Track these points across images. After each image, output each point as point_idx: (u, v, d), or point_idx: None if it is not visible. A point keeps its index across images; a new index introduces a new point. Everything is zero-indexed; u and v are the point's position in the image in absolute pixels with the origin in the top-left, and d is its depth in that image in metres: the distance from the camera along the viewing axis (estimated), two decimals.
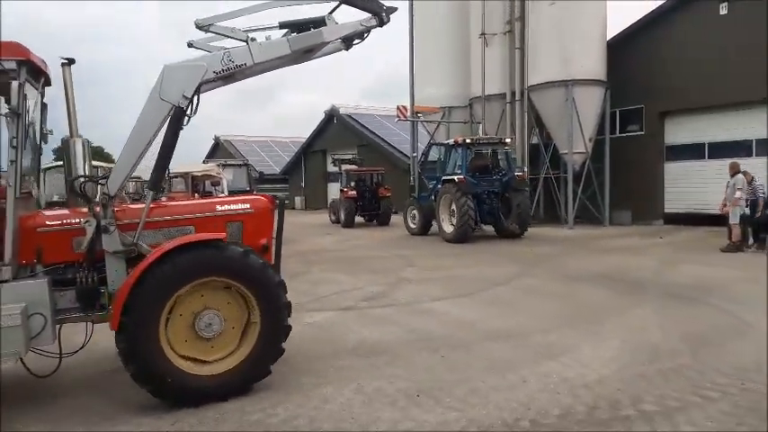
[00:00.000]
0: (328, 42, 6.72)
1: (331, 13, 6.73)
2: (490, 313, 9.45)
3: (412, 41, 29.51)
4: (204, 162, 31.12)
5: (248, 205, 6.70)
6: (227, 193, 19.51)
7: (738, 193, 15.76)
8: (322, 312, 9.72)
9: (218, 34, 6.40)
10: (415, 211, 23.42)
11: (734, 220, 15.79)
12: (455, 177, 20.25)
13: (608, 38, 24.70)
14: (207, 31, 6.38)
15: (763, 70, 20.16)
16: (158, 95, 5.92)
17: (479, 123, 27.11)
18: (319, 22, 6.64)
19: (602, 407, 5.46)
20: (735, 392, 5.70)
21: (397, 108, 29.51)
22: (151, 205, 6.09)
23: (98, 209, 5.79)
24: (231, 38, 6.38)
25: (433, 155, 24.36)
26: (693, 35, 22.70)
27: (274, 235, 6.70)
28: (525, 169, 24.84)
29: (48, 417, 5.59)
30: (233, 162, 27.67)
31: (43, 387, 6.20)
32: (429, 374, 6.52)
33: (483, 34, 25.67)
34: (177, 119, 5.98)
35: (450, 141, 22.38)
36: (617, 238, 20.33)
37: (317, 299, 10.94)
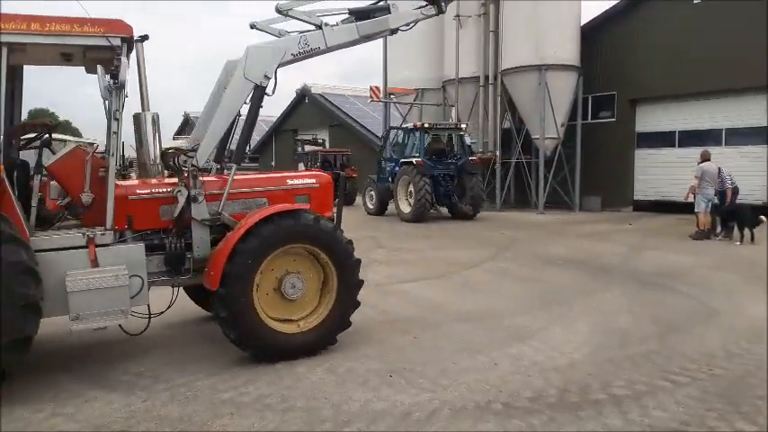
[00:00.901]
0: (392, 29, 7.50)
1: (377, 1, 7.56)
2: (461, 295, 9.48)
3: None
4: (174, 138, 30.73)
5: (314, 180, 7.33)
6: None
7: (694, 181, 15.97)
8: None
9: (297, 19, 7.02)
10: (372, 192, 24.01)
11: (698, 208, 15.97)
12: (413, 160, 21.19)
13: (582, 23, 24.73)
14: (286, 15, 7.00)
15: (729, 60, 20.45)
16: (243, 75, 6.48)
17: (452, 106, 27.10)
18: (383, 10, 7.45)
19: (573, 390, 5.50)
20: (703, 378, 5.79)
21: (371, 89, 29.34)
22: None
23: (188, 179, 6.28)
24: (306, 22, 7.03)
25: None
26: (667, 23, 22.83)
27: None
28: (497, 153, 25.01)
29: (20, 393, 5.49)
30: None
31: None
32: (401, 355, 6.52)
33: (458, 16, 25.58)
34: (259, 97, 6.61)
35: (409, 125, 23.46)
36: (587, 223, 20.50)
37: None
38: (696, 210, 16.05)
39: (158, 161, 6.87)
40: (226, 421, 4.89)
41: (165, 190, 6.39)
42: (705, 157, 16.21)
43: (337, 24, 7.23)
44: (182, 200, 6.22)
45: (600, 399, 5.31)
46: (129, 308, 5.75)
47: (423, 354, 6.57)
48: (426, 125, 22.39)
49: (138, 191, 6.34)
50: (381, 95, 29.38)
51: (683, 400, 5.26)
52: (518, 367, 6.14)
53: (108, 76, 5.61)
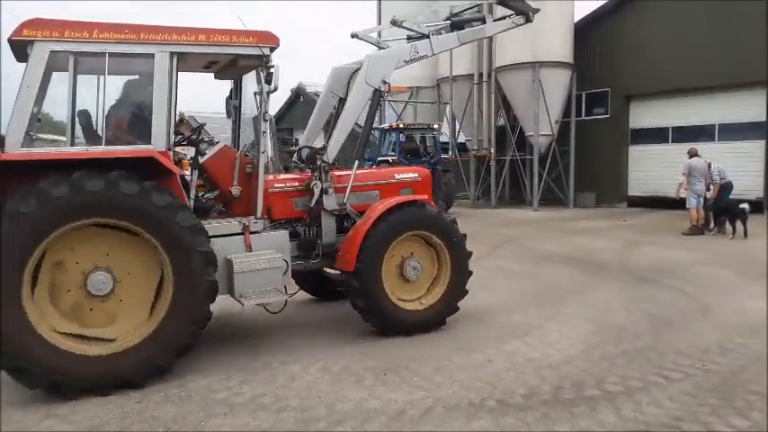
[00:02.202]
0: (488, 36, 8.70)
1: (469, 9, 8.72)
2: None
3: (380, 19, 29.23)
4: None
5: (416, 174, 8.11)
6: None
7: (682, 178, 16.04)
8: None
9: (407, 29, 7.99)
10: None
11: (689, 204, 15.99)
12: (389, 158, 21.99)
13: (575, 20, 24.72)
14: (400, 26, 7.94)
15: (724, 56, 20.49)
16: (365, 81, 7.36)
17: (447, 104, 27.07)
18: (478, 20, 8.50)
19: (567, 387, 5.51)
20: (697, 373, 5.80)
21: None
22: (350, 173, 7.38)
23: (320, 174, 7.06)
24: (416, 32, 7.94)
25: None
26: (660, 19, 22.82)
27: None
28: (492, 150, 25.04)
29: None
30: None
31: None
32: (395, 353, 6.52)
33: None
34: (377, 100, 7.51)
35: (386, 125, 24.28)
36: (581, 220, 20.51)
37: None
38: (687, 206, 16.08)
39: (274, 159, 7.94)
40: (219, 421, 4.90)
41: (297, 184, 7.20)
42: (693, 153, 16.24)
43: (441, 33, 8.11)
44: (317, 192, 7.03)
45: (594, 395, 5.32)
46: (283, 287, 6.51)
47: (418, 351, 6.58)
48: (401, 125, 23.45)
49: (275, 185, 7.09)
50: None
51: (676, 395, 5.28)
52: (512, 364, 6.15)
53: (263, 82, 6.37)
